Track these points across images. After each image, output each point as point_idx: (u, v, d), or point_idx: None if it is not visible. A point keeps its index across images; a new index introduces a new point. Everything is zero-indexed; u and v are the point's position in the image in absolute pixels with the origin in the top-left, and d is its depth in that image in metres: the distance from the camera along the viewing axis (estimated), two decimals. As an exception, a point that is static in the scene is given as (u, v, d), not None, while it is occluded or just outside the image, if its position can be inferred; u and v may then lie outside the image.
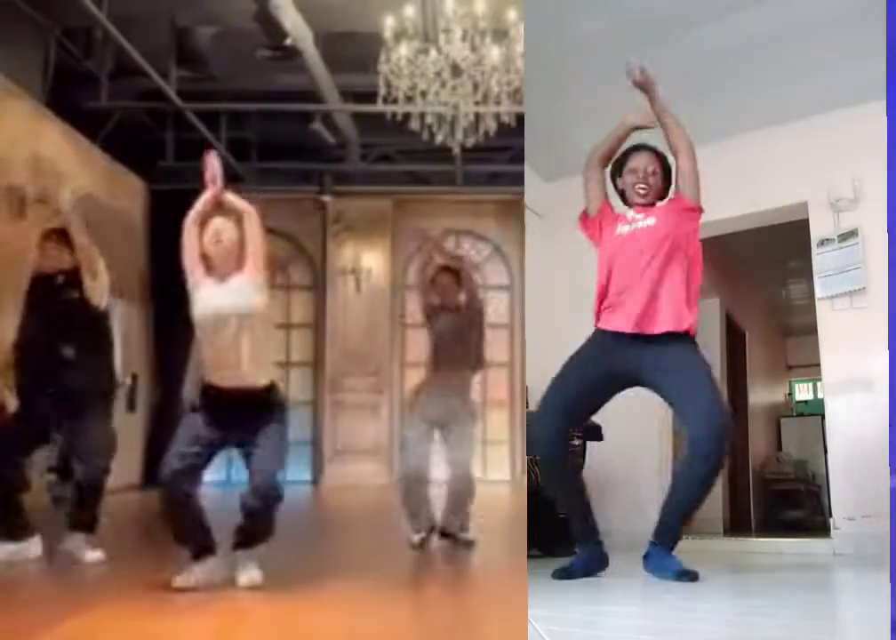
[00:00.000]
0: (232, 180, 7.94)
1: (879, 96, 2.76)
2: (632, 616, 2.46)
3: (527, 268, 5.97)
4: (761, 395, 9.79)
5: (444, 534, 4.02)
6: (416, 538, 3.89)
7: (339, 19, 5.86)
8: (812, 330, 5.26)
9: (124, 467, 7.02)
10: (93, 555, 3.46)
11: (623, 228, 3.42)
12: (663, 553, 3.20)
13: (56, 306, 3.54)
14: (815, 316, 5.14)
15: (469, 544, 4.00)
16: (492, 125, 5.62)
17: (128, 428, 7.22)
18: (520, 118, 5.68)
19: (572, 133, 5.99)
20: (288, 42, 5.51)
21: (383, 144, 8.02)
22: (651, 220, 3.38)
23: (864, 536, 4.43)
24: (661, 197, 3.52)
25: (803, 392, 10.70)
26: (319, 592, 2.83)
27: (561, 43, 4.94)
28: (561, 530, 5.08)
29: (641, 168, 3.48)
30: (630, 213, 3.48)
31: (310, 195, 8.41)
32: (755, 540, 6.60)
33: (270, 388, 2.95)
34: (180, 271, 2.98)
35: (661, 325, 3.21)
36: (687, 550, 5.05)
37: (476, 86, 5.32)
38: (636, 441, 5.79)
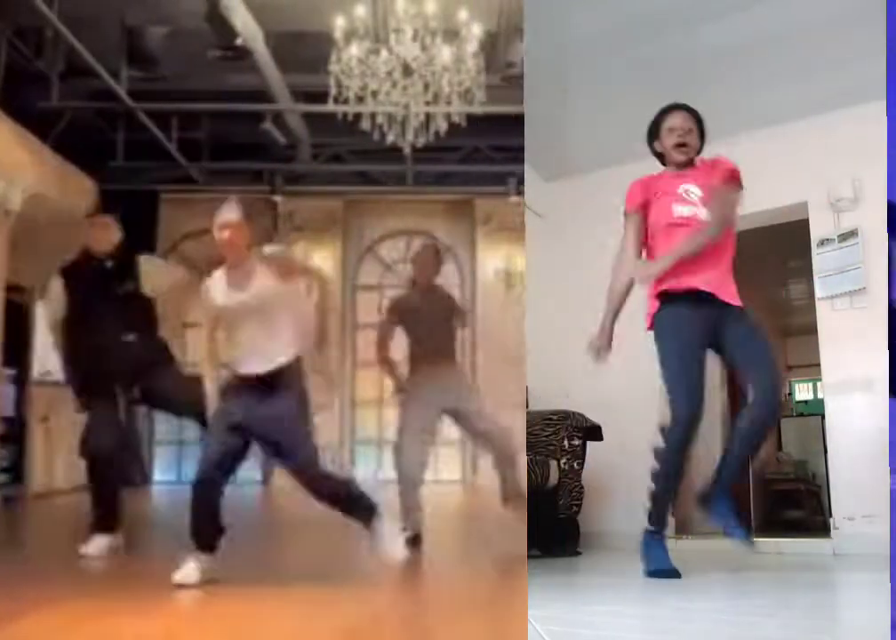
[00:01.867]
0: (184, 180, 8.00)
1: (879, 96, 2.77)
2: (632, 616, 2.46)
3: (527, 269, 5.97)
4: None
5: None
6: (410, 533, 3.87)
7: (289, 19, 5.84)
8: (811, 330, 5.26)
9: (74, 467, 7.02)
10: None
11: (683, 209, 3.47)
12: (723, 498, 3.38)
13: (116, 296, 3.63)
14: (815, 315, 5.14)
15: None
16: (442, 125, 5.62)
17: (78, 429, 7.20)
18: (470, 118, 5.69)
19: (571, 133, 6.01)
20: (239, 42, 5.50)
21: (334, 144, 8.01)
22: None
23: (864, 536, 4.43)
24: (697, 154, 3.59)
25: (803, 392, 10.70)
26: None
27: (561, 43, 4.94)
28: (561, 530, 5.10)
29: (678, 126, 3.52)
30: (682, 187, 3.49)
31: (261, 195, 8.31)
32: (755, 540, 6.58)
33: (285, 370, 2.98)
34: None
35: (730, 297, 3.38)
36: (687, 550, 5.06)
37: (426, 86, 5.32)
38: (635, 441, 5.79)
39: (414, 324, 4.12)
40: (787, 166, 5.17)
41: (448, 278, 8.93)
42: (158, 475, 8.41)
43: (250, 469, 7.64)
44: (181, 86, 6.82)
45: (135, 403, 3.85)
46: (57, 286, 3.68)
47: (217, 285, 2.98)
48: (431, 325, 4.12)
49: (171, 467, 8.44)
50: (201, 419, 3.51)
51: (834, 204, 5.02)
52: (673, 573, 3.25)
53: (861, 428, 4.65)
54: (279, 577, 3.07)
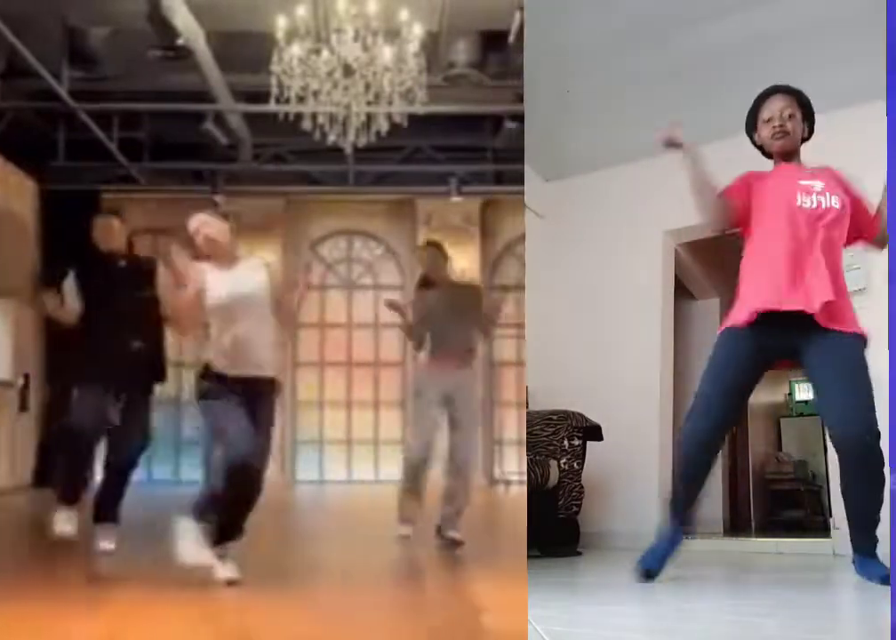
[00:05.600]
0: (125, 180, 7.98)
1: (879, 96, 2.77)
2: (632, 616, 2.46)
3: (527, 269, 5.97)
4: (761, 395, 9.79)
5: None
6: (404, 530, 3.88)
7: (230, 19, 5.82)
8: (812, 330, 5.25)
9: (16, 467, 7.04)
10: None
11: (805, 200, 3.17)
12: (866, 559, 3.09)
13: (130, 301, 3.62)
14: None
15: (457, 543, 3.91)
16: (383, 125, 5.62)
17: (21, 429, 7.24)
18: (412, 118, 5.67)
19: (571, 133, 6.01)
20: (180, 42, 5.48)
21: (275, 144, 7.98)
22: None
23: (864, 536, 4.42)
24: (804, 141, 3.31)
25: (803, 392, 10.67)
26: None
27: (561, 43, 4.94)
28: (561, 530, 5.10)
29: (777, 114, 3.23)
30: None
31: (202, 195, 8.22)
32: (755, 539, 6.60)
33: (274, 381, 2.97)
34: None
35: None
36: (687, 550, 5.05)
37: (368, 86, 5.32)
38: (635, 441, 5.79)
39: (435, 322, 4.09)
40: (787, 166, 5.18)
41: (389, 278, 9.04)
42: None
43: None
44: (123, 86, 6.79)
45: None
46: (71, 285, 3.70)
47: (210, 278, 2.96)
48: (450, 324, 4.06)
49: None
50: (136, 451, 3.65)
51: (834, 204, 5.02)
52: (646, 573, 3.10)
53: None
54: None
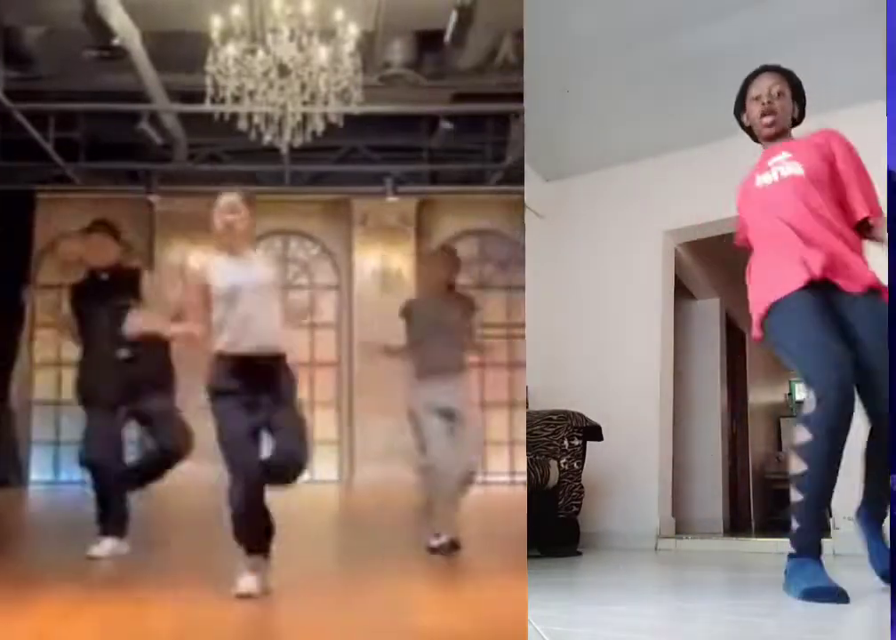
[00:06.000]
0: (60, 180, 7.96)
1: (879, 96, 2.77)
2: (632, 616, 2.45)
3: (527, 269, 5.97)
4: (761, 395, 9.80)
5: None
6: (436, 542, 3.83)
7: (166, 18, 5.80)
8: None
9: None
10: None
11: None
12: (881, 546, 3.01)
13: (112, 310, 3.62)
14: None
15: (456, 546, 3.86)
16: (319, 125, 5.62)
17: None
18: (347, 118, 5.66)
19: (571, 133, 6.01)
20: (115, 42, 5.46)
21: (211, 144, 7.94)
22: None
23: (864, 536, 4.42)
24: (796, 123, 3.18)
25: (803, 392, 10.70)
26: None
27: (561, 43, 4.94)
28: (561, 530, 5.11)
29: (765, 92, 3.08)
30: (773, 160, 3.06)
31: (137, 195, 8.25)
32: (755, 539, 6.59)
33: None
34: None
35: None
36: (687, 550, 5.06)
37: (303, 86, 5.32)
38: (636, 441, 5.80)
39: (421, 330, 4.03)
40: (787, 166, 5.18)
41: (325, 278, 9.03)
42: (35, 475, 8.32)
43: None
44: (58, 86, 6.76)
45: (129, 419, 3.85)
46: (65, 304, 3.74)
47: (216, 266, 2.94)
48: (438, 334, 4.02)
49: (48, 467, 8.39)
50: (175, 456, 3.57)
51: (834, 203, 5.01)
52: (834, 594, 2.54)
53: (861, 428, 4.64)
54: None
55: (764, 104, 3.07)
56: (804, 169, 2.96)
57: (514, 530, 3.96)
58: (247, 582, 2.63)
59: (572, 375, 6.01)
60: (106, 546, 3.56)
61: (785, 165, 3.00)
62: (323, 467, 8.39)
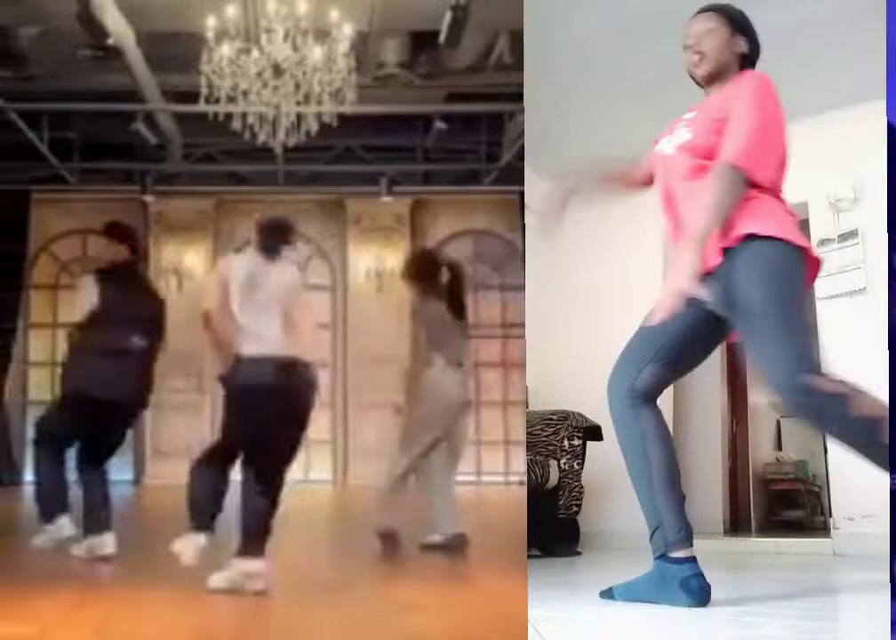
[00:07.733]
0: (55, 180, 8.00)
1: (879, 96, 2.77)
2: (632, 616, 2.45)
3: (527, 269, 5.98)
4: (761, 395, 9.78)
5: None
6: (438, 538, 3.82)
7: (161, 18, 5.83)
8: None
9: None
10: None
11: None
12: None
13: (127, 301, 3.65)
14: (815, 315, 5.14)
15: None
16: (313, 125, 5.62)
17: None
18: (341, 118, 5.68)
19: (571, 133, 6.01)
20: (110, 42, 5.49)
21: (205, 144, 8.00)
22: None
23: (864, 536, 4.43)
24: (749, 58, 2.85)
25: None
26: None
27: (561, 43, 4.94)
28: (561, 530, 5.10)
29: (692, 34, 2.73)
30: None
31: (132, 195, 8.26)
32: (755, 539, 6.60)
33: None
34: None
35: None
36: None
37: (297, 86, 5.32)
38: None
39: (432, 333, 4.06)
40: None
41: (319, 278, 9.02)
42: (30, 474, 8.39)
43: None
44: (53, 86, 6.80)
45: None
46: (90, 283, 3.70)
47: (246, 262, 2.97)
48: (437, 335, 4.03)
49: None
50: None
51: (834, 204, 5.02)
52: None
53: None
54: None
55: (690, 48, 2.73)
56: (692, 137, 2.66)
57: (514, 530, 3.96)
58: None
59: (572, 375, 6.00)
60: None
61: (681, 130, 2.71)
62: (316, 467, 8.41)
